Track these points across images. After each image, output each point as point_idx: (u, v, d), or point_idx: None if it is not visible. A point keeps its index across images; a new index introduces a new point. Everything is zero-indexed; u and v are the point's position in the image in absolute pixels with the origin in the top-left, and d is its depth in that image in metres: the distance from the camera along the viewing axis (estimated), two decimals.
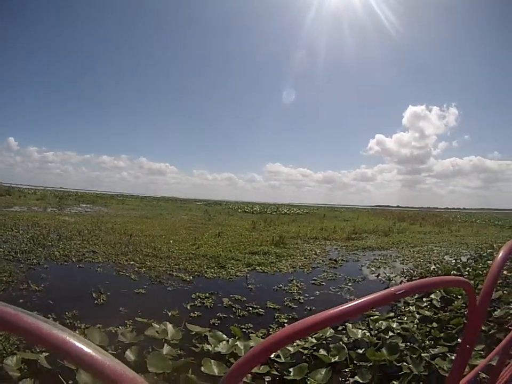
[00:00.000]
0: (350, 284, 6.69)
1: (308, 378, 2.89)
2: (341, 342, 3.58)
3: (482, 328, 3.38)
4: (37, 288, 5.24)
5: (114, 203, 35.24)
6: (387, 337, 3.62)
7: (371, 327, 4.04)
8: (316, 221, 23.14)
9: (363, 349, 3.35)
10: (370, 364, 3.08)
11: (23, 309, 0.43)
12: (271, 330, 4.21)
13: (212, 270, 7.13)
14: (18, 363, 2.84)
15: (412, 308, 4.78)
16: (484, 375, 2.01)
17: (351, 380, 2.98)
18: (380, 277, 7.40)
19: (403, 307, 4.92)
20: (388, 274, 7.55)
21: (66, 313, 4.29)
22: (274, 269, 7.66)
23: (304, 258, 9.15)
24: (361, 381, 2.87)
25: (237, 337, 3.53)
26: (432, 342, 3.51)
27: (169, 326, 3.63)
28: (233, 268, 7.46)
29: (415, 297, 5.08)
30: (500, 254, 1.14)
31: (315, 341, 3.61)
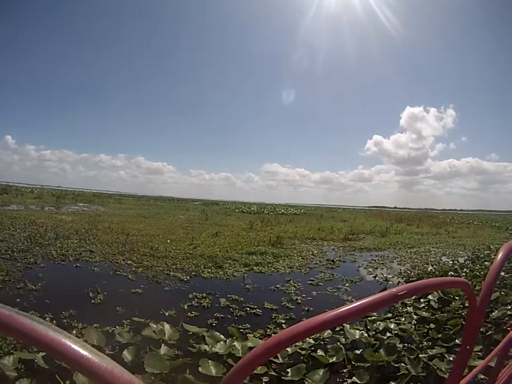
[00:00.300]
0: (347, 285, 6.69)
1: (306, 379, 2.89)
2: (338, 343, 3.58)
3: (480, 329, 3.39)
4: (33, 287, 5.20)
5: (111, 202, 35.13)
6: (385, 338, 3.63)
7: (369, 327, 4.04)
8: (313, 221, 23.17)
9: (361, 350, 3.35)
10: (368, 364, 3.09)
11: (19, 308, 0.42)
12: (268, 330, 4.20)
13: (209, 270, 7.10)
14: (15, 363, 2.83)
15: (410, 309, 4.79)
16: (483, 376, 2.02)
17: (349, 380, 2.98)
18: (377, 278, 7.42)
19: (400, 308, 4.93)
20: (385, 275, 7.57)
21: (63, 312, 4.26)
22: (272, 269, 7.65)
23: (302, 258, 9.14)
24: (359, 382, 2.87)
25: (234, 338, 3.52)
26: (430, 343, 3.52)
27: (167, 326, 3.62)
28: (230, 268, 7.44)
29: (413, 298, 5.09)
30: (499, 255, 1.14)
31: (313, 342, 3.62)
